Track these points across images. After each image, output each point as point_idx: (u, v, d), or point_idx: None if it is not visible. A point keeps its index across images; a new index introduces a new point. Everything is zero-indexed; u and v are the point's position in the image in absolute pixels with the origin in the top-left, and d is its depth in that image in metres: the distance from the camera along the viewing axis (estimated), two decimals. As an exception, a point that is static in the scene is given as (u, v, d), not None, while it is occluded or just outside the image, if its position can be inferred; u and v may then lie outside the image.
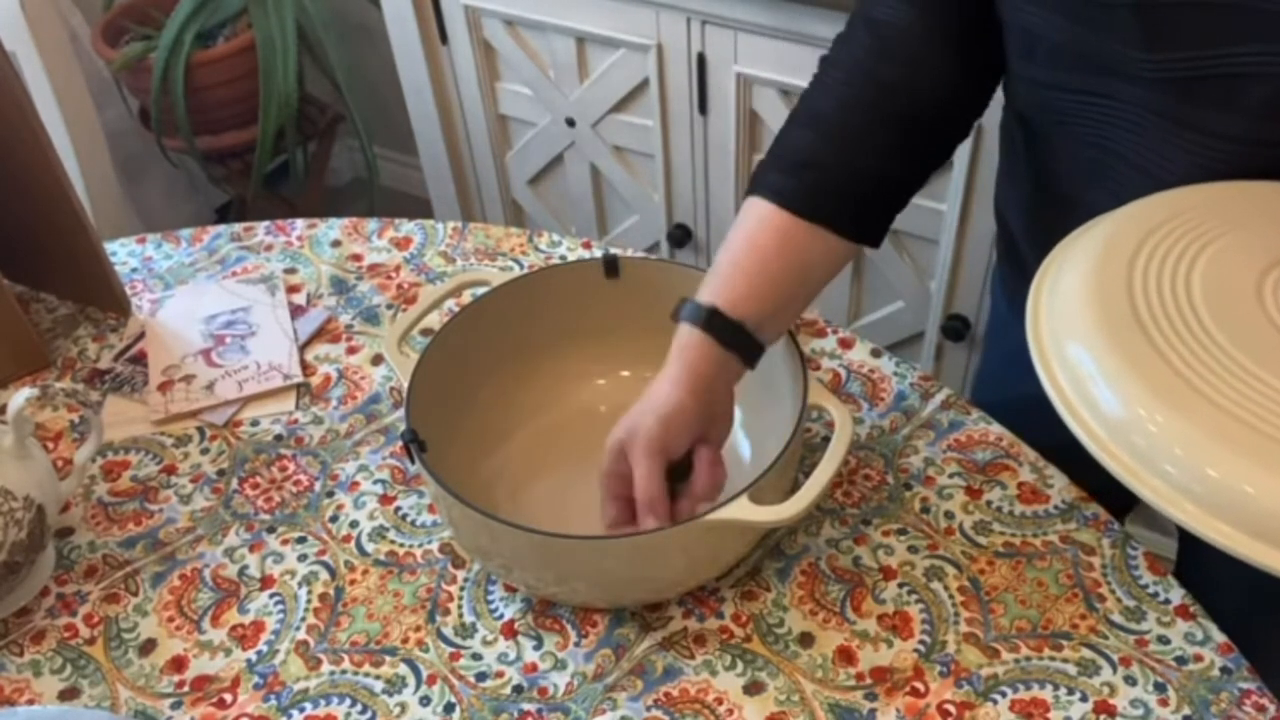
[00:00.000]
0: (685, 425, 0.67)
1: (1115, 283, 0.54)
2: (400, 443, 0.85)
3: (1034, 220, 0.80)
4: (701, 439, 0.68)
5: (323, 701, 0.69)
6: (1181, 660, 0.67)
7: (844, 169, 0.69)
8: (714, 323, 0.67)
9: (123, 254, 1.06)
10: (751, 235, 0.70)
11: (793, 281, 0.70)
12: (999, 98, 0.78)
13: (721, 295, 0.68)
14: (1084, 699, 0.65)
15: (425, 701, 0.68)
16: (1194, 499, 0.47)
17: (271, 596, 0.75)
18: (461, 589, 0.75)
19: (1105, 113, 0.65)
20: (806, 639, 0.70)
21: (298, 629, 0.73)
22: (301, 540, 0.79)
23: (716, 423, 0.70)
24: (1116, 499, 0.73)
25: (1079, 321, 0.53)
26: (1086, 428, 0.51)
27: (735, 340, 0.68)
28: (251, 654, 0.72)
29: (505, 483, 0.79)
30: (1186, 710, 0.64)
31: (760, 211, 0.70)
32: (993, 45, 0.70)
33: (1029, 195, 0.79)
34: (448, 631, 0.72)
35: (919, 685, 0.67)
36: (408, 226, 1.06)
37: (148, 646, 0.73)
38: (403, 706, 0.68)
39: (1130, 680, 0.66)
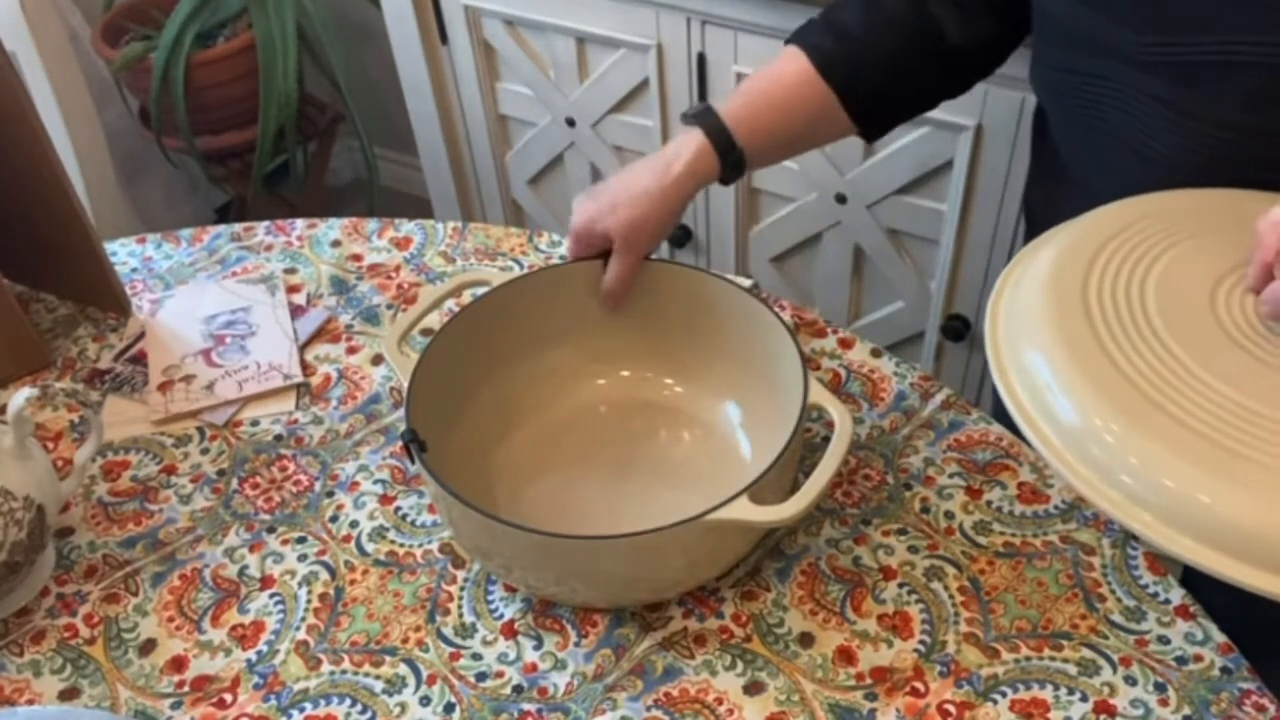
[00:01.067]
0: (660, 228, 0.78)
1: (1072, 293, 0.54)
2: (400, 443, 0.85)
3: (1056, 214, 0.81)
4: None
5: (323, 701, 0.69)
6: (1181, 660, 0.67)
7: (879, 55, 0.77)
8: (722, 141, 0.77)
9: (123, 254, 1.06)
10: (777, 77, 0.79)
11: (793, 128, 0.79)
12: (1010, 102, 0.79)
13: (735, 117, 0.77)
14: (1084, 699, 0.65)
15: (425, 701, 0.68)
16: (1151, 509, 0.47)
17: (271, 596, 0.75)
18: (461, 589, 0.75)
19: (1105, 96, 0.66)
20: (806, 639, 0.70)
21: (298, 629, 0.73)
22: (301, 540, 0.79)
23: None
24: None
25: (1036, 331, 0.53)
26: (1043, 437, 0.50)
27: (731, 160, 0.77)
28: (251, 654, 0.72)
29: (505, 483, 0.79)
30: (1186, 710, 0.64)
31: (794, 60, 0.78)
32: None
33: (1055, 189, 0.81)
34: (448, 631, 0.72)
35: (919, 685, 0.67)
36: (408, 226, 1.06)
37: (148, 646, 0.73)
38: (403, 706, 0.68)
39: (1130, 680, 0.66)
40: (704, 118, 0.77)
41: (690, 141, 0.77)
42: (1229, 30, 0.57)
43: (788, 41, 0.80)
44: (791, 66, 0.79)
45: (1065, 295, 0.54)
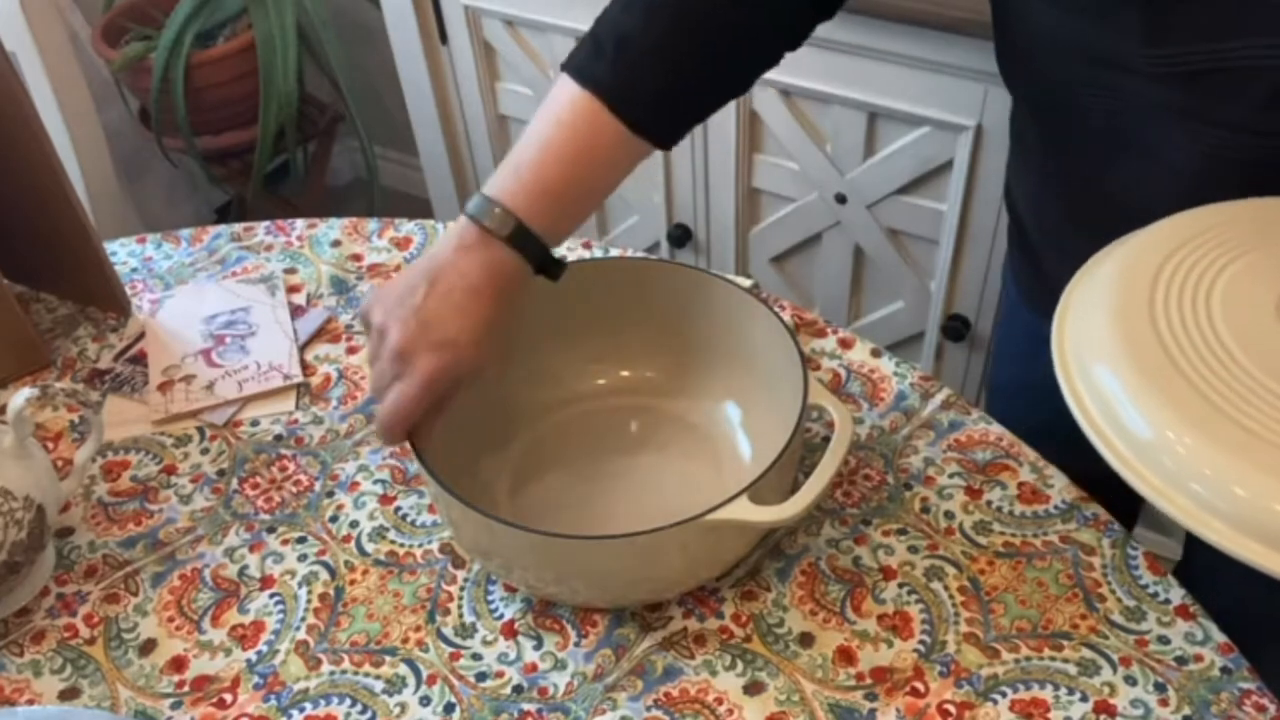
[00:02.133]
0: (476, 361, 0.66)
1: (1138, 305, 0.55)
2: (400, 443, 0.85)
3: (1044, 208, 0.81)
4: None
5: (323, 701, 0.69)
6: (1181, 660, 0.67)
7: (664, 67, 0.67)
8: (525, 241, 0.66)
9: (123, 254, 1.06)
10: (563, 128, 0.68)
11: (592, 185, 0.69)
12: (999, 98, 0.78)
13: (525, 206, 0.66)
14: (1084, 699, 0.65)
15: (425, 701, 0.68)
16: (1222, 518, 0.48)
17: (271, 596, 0.75)
18: (461, 589, 0.75)
19: (1112, 104, 0.65)
20: (806, 639, 0.70)
21: (298, 629, 0.73)
22: (301, 540, 0.79)
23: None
24: (1119, 497, 0.73)
25: (1104, 344, 0.54)
26: (1114, 449, 0.51)
27: (541, 261, 0.67)
28: (251, 654, 0.72)
29: (505, 483, 0.79)
30: (1186, 710, 0.64)
31: (575, 100, 0.68)
32: None
33: (1039, 184, 0.80)
34: (448, 631, 0.72)
35: (919, 685, 0.67)
36: (408, 226, 1.06)
37: (148, 646, 0.73)
38: (403, 706, 0.68)
39: (1130, 680, 0.66)
40: (482, 213, 0.66)
41: (478, 246, 0.66)
42: (1244, 35, 0.55)
43: (562, 68, 0.70)
44: (570, 113, 0.68)
45: (1131, 309, 0.55)
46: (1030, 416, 0.81)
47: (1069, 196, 0.75)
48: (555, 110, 0.69)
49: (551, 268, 0.70)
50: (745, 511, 0.63)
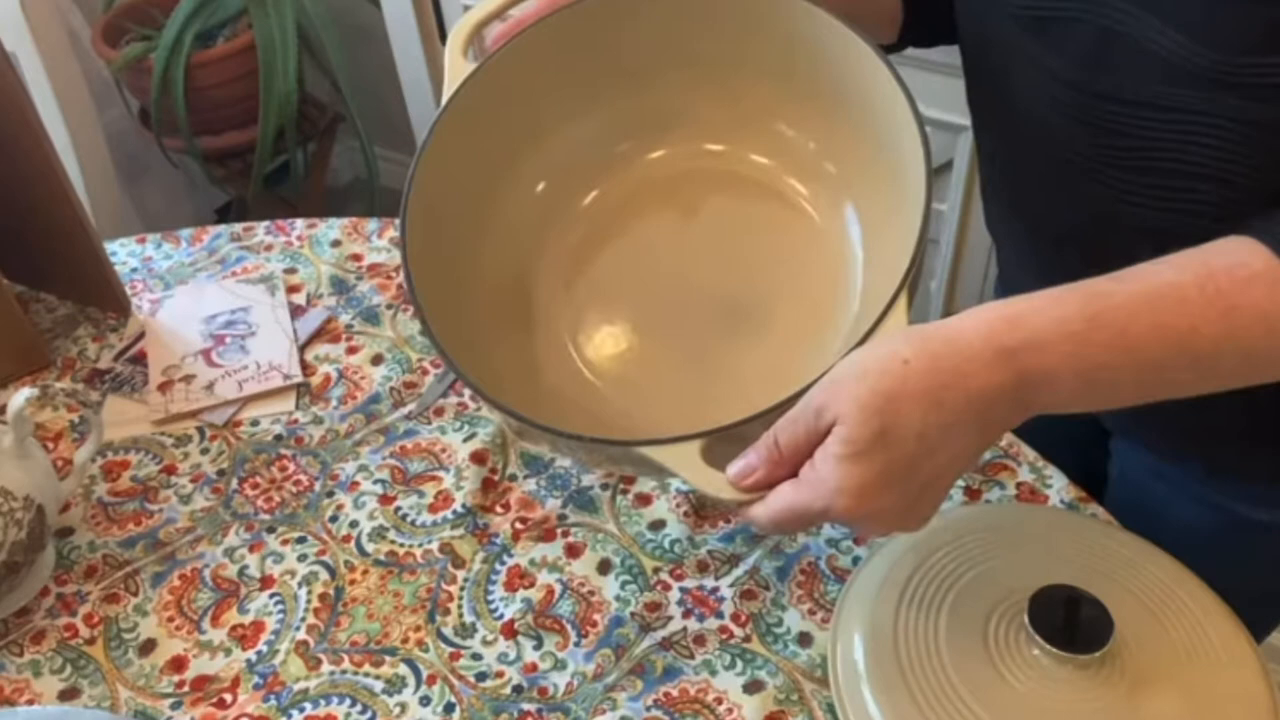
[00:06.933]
0: None
1: (885, 630, 0.64)
2: (398, 444, 0.85)
3: (995, 215, 0.82)
4: None
5: (323, 701, 0.69)
6: (1181, 660, 0.67)
7: None
8: None
9: (123, 254, 1.06)
10: None
11: None
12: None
13: None
14: (1083, 699, 0.65)
15: (425, 701, 0.68)
16: None
17: (271, 596, 0.75)
18: (461, 589, 0.75)
19: (989, 56, 0.68)
20: (805, 638, 0.70)
21: (298, 629, 0.73)
22: (301, 540, 0.79)
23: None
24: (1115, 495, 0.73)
25: (861, 677, 0.63)
26: None
27: None
28: (251, 654, 0.72)
29: (554, 316, 0.65)
30: (1186, 710, 0.64)
31: None
32: None
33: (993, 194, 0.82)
34: (448, 631, 0.72)
35: (918, 685, 0.67)
36: (407, 226, 1.06)
37: (148, 646, 0.73)
38: (403, 706, 0.68)
39: (1130, 680, 0.66)
40: None
41: None
42: None
43: None
44: None
45: (880, 632, 0.64)
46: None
47: (985, 169, 0.76)
48: None
49: None
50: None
